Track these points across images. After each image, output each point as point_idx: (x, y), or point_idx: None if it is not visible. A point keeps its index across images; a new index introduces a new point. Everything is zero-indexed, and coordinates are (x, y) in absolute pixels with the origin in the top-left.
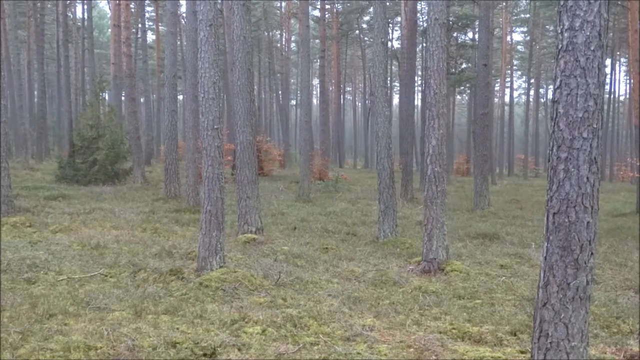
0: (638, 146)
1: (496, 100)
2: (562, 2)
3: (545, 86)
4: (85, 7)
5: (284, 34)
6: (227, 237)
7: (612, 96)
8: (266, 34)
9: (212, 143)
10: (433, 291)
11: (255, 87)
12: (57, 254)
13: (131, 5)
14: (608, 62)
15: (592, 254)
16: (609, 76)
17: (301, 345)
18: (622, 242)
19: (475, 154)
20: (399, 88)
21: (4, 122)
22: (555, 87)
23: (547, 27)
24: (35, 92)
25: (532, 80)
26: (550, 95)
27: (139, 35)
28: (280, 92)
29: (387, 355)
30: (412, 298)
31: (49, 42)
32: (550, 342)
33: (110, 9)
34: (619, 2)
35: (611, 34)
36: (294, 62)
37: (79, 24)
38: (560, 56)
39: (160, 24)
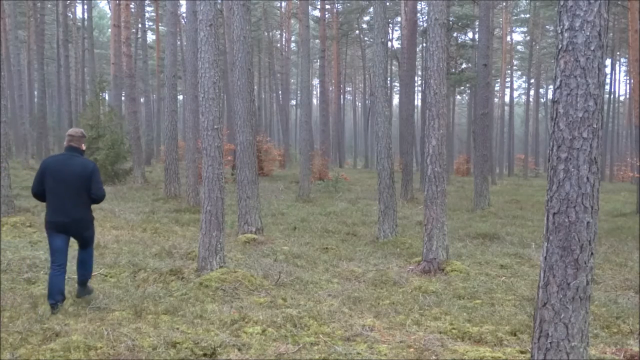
0: (638, 146)
1: (496, 100)
2: (562, 2)
3: (545, 86)
4: (85, 7)
5: (284, 34)
6: (227, 237)
7: (612, 96)
8: (266, 34)
9: (212, 143)
10: (433, 291)
11: (255, 87)
12: None
13: (131, 5)
14: (608, 62)
15: (592, 254)
16: (609, 76)
17: (301, 345)
18: (622, 242)
19: (475, 154)
20: (399, 88)
21: (4, 122)
22: (555, 87)
23: (547, 27)
24: (35, 92)
25: (532, 80)
26: (550, 95)
27: (139, 35)
28: (280, 92)
29: (387, 355)
30: (412, 298)
31: (49, 42)
32: (550, 342)
33: (110, 9)
34: (619, 2)
35: (611, 34)
36: (294, 62)
37: (79, 24)
38: (560, 56)
39: (160, 24)
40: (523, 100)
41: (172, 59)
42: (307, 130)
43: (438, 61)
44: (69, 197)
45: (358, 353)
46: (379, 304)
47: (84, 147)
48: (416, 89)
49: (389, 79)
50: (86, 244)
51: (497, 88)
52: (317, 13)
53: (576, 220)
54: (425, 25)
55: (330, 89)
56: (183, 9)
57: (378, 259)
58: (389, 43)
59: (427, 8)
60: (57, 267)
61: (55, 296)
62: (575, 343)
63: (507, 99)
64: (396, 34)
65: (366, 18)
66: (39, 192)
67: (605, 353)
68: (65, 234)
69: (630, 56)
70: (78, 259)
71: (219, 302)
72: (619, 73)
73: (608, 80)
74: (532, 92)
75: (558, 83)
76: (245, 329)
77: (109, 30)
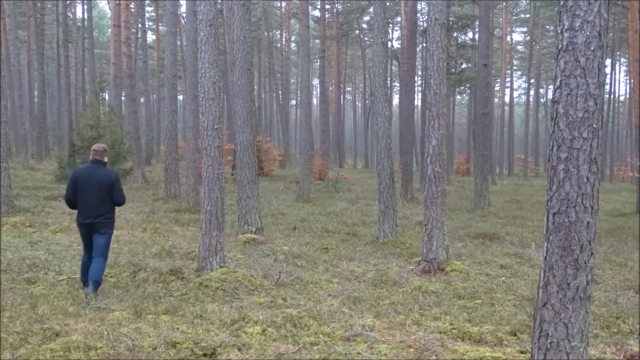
0: (638, 146)
1: (496, 100)
2: (562, 2)
3: (545, 86)
4: (85, 7)
5: (284, 34)
6: (227, 237)
7: (612, 96)
8: (266, 34)
9: (212, 143)
10: (433, 291)
11: (255, 87)
12: (57, 254)
13: (131, 5)
14: (608, 62)
15: (592, 254)
16: (609, 76)
17: (301, 345)
18: (622, 242)
19: (475, 154)
20: (399, 88)
21: (4, 122)
22: (555, 87)
23: (547, 27)
24: (35, 92)
25: (532, 80)
26: (550, 95)
27: (139, 35)
28: (280, 92)
29: (387, 355)
30: (412, 298)
31: (49, 42)
32: (550, 342)
33: (110, 9)
34: (619, 2)
35: (611, 34)
36: (294, 62)
37: (79, 24)
38: (560, 56)
39: (160, 24)
40: (523, 100)
41: (172, 59)
42: (307, 130)
43: (438, 61)
44: (96, 202)
45: (358, 353)
46: (379, 304)
47: (106, 159)
48: (416, 89)
49: (389, 79)
50: (101, 247)
51: (497, 88)
52: (317, 13)
53: (576, 220)
54: (425, 25)
55: (330, 89)
56: (183, 9)
57: (378, 259)
58: (389, 43)
59: (427, 8)
60: (88, 254)
61: (84, 276)
62: (575, 343)
63: (507, 99)
64: (396, 34)
65: (366, 18)
66: (72, 200)
67: (605, 353)
68: (92, 232)
69: (630, 56)
70: (89, 275)
71: (219, 302)
72: (619, 73)
73: (608, 80)
74: (532, 92)
75: (558, 83)
76: (245, 329)
77: (109, 30)
